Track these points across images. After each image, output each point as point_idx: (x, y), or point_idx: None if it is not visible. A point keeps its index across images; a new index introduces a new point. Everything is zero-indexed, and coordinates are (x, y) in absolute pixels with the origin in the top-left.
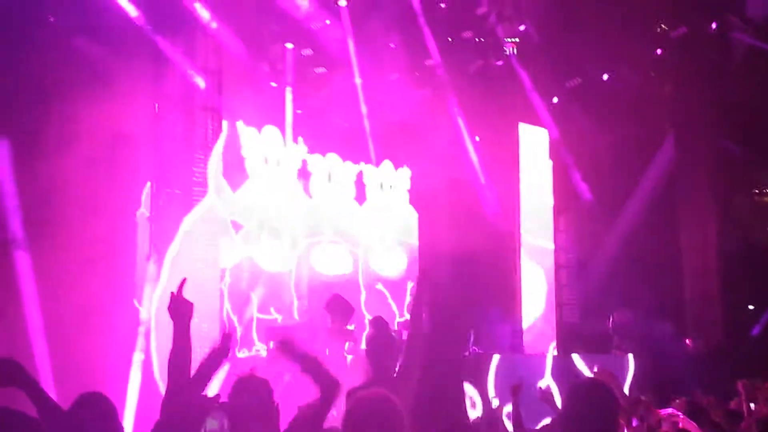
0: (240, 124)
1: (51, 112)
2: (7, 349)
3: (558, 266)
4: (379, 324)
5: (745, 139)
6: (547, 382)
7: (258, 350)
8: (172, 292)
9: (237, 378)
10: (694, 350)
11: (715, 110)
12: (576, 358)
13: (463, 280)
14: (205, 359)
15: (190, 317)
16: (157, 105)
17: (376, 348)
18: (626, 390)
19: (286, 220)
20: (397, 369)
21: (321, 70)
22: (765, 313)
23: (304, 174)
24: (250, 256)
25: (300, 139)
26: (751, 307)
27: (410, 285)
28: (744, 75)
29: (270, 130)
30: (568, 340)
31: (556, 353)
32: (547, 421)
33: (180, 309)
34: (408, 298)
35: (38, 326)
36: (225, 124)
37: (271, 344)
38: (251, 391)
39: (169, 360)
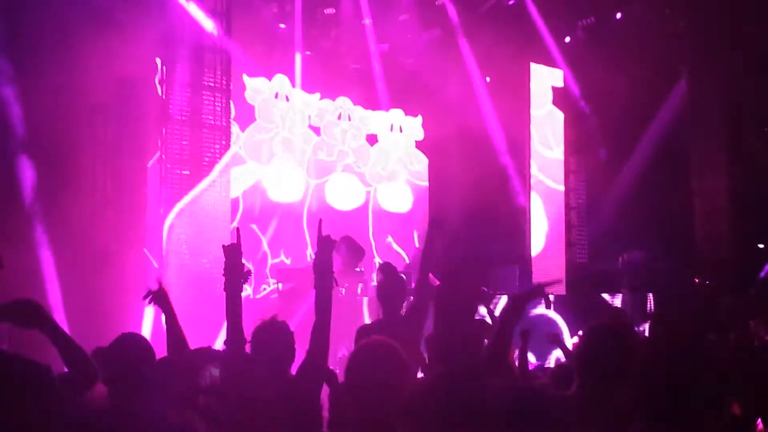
0: (245, 77)
1: (59, 57)
2: (20, 295)
3: (568, 207)
4: (388, 270)
5: (758, 80)
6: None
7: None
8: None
9: (260, 321)
10: (704, 289)
11: (729, 50)
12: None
13: (473, 222)
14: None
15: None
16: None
17: (385, 293)
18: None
19: (297, 153)
20: (404, 310)
21: (330, 10)
22: None
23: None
24: (262, 187)
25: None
26: (761, 245)
27: (416, 232)
28: (761, 15)
29: (280, 78)
30: (578, 279)
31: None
32: (558, 353)
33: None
34: (416, 242)
35: (51, 271)
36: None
37: (280, 285)
38: (273, 333)
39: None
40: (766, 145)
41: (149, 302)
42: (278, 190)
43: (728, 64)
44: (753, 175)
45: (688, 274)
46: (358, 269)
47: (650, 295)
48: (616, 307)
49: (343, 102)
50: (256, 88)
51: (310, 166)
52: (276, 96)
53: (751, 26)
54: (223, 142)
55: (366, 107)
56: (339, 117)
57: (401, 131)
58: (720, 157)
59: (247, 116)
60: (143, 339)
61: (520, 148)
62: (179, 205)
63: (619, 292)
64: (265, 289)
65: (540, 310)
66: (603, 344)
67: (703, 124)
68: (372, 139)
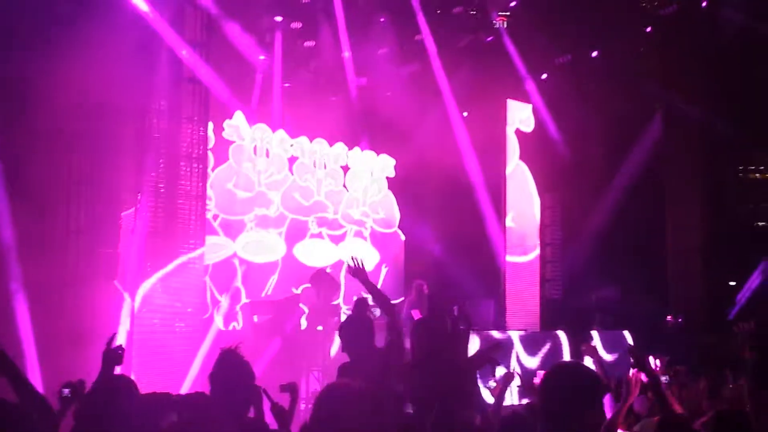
0: (227, 122)
1: (34, 81)
2: None
3: (543, 243)
4: (359, 306)
5: (732, 117)
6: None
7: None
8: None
9: (221, 351)
10: (675, 326)
11: (703, 89)
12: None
13: (448, 261)
14: None
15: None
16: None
17: (348, 329)
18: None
19: (272, 209)
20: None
21: (310, 43)
22: (742, 295)
23: (291, 161)
24: (234, 251)
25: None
26: (732, 283)
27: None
28: (733, 54)
29: (260, 126)
30: (551, 316)
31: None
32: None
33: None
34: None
35: (21, 301)
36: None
37: (255, 318)
38: (232, 365)
39: None
40: (739, 183)
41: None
42: (254, 257)
43: (702, 103)
44: (725, 213)
45: (660, 312)
46: (334, 303)
47: (625, 332)
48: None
49: (320, 146)
50: (235, 129)
51: (286, 222)
52: (255, 152)
53: (724, 65)
54: (200, 207)
55: (344, 141)
56: (314, 165)
57: (372, 175)
58: (693, 194)
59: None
60: (126, 383)
61: (497, 184)
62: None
63: (591, 329)
64: (234, 326)
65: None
66: (561, 386)
67: (677, 162)
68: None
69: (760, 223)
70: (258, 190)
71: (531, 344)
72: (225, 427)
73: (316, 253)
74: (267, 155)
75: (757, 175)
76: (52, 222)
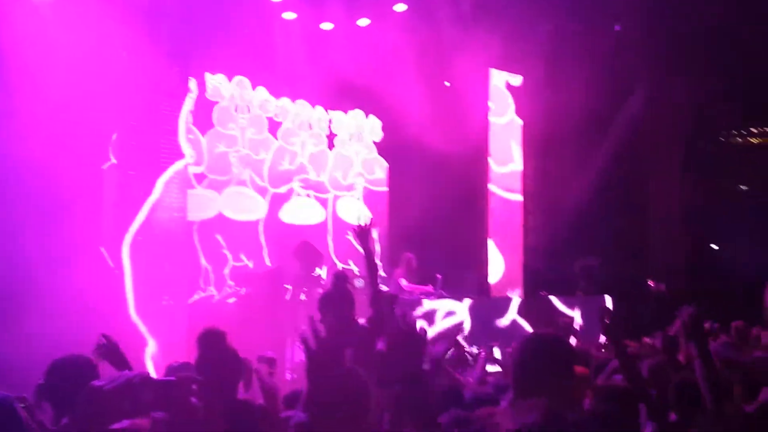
0: (208, 75)
1: (11, 57)
2: None
3: (526, 211)
4: (338, 278)
5: (711, 85)
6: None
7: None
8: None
9: (203, 332)
10: (657, 292)
11: (685, 59)
12: (551, 299)
13: (432, 227)
14: None
15: None
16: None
17: (327, 302)
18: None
19: (255, 168)
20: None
21: (290, 15)
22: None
23: (274, 122)
24: (219, 209)
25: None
26: (714, 246)
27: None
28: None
29: (240, 79)
30: (534, 284)
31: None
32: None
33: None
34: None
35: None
36: (193, 81)
37: (243, 290)
38: (216, 346)
39: None
40: (719, 152)
41: (100, 357)
42: (238, 215)
43: (685, 72)
44: (705, 181)
45: (642, 278)
46: (316, 273)
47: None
48: (565, 314)
49: (302, 107)
50: (216, 89)
51: (270, 176)
52: (236, 109)
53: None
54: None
55: (326, 107)
56: (299, 126)
57: (360, 138)
58: (674, 163)
59: (207, 116)
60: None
61: (480, 153)
62: (136, 223)
63: (574, 296)
64: (227, 290)
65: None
66: (534, 355)
67: (659, 131)
68: (331, 144)
69: (743, 187)
70: (244, 152)
71: (490, 311)
72: (211, 410)
73: (301, 214)
74: (248, 111)
75: (739, 140)
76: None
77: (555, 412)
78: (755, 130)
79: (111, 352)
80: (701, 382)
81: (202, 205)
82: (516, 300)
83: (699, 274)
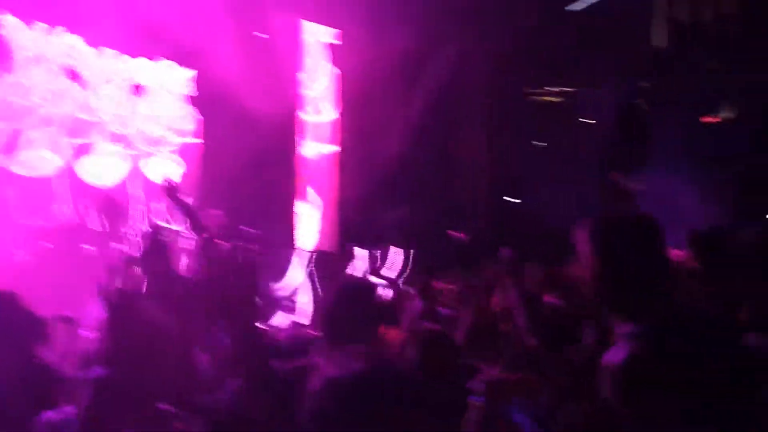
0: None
1: None
2: None
3: (341, 164)
4: (154, 231)
5: (516, 41)
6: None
7: None
8: None
9: None
10: (459, 240)
11: (493, 16)
12: (352, 250)
13: (244, 182)
14: None
15: None
16: None
17: (147, 256)
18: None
19: (50, 120)
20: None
21: None
22: None
23: (74, 71)
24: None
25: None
26: (508, 198)
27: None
28: None
29: (39, 25)
30: (346, 235)
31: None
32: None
33: None
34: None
35: None
36: None
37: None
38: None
39: None
40: (523, 100)
41: None
42: (25, 171)
43: (492, 26)
44: (509, 129)
45: (444, 227)
46: (119, 229)
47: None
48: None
49: (108, 55)
50: (13, 34)
51: (70, 129)
52: (30, 59)
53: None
54: None
55: (133, 56)
56: (104, 77)
57: (170, 89)
58: (480, 109)
59: None
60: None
61: (291, 105)
62: None
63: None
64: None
65: None
66: (349, 302)
67: (466, 81)
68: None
69: (541, 144)
70: (34, 103)
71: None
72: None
73: (103, 171)
74: (43, 61)
75: (543, 97)
76: None
77: (379, 359)
78: (554, 89)
79: None
80: (525, 328)
81: None
82: (320, 253)
83: (503, 222)
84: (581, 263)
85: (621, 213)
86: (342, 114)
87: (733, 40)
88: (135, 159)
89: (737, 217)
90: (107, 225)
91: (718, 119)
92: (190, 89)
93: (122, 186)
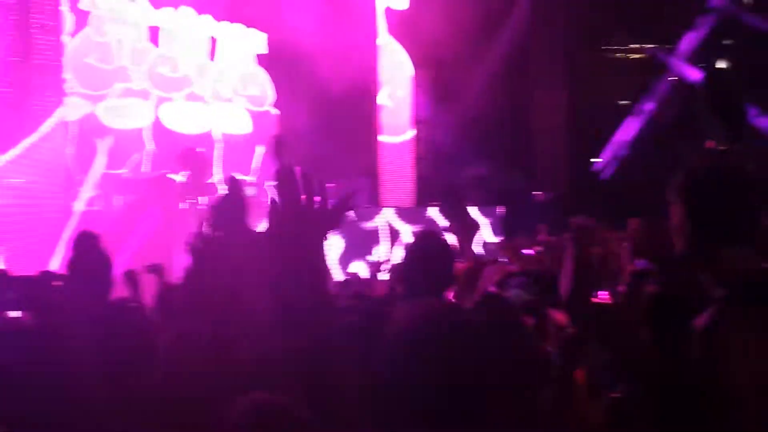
0: None
1: None
2: None
3: (417, 121)
4: (233, 185)
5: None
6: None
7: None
8: None
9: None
10: (543, 201)
11: None
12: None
13: (322, 139)
14: None
15: None
16: None
17: (222, 210)
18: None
19: (136, 74)
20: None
21: None
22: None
23: (155, 30)
24: (95, 113)
25: None
26: (596, 160)
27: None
28: None
29: None
30: (425, 193)
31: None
32: None
33: None
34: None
35: None
36: None
37: (124, 199)
38: (89, 249)
39: None
40: (602, 63)
41: None
42: (117, 120)
43: None
44: (589, 92)
45: (528, 188)
46: (204, 182)
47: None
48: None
49: (186, 17)
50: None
51: (154, 82)
52: (113, 21)
53: None
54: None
55: (212, 13)
56: (181, 35)
57: (243, 49)
58: (558, 74)
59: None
60: None
61: (370, 64)
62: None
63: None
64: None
65: None
66: (426, 249)
67: (543, 40)
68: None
69: (622, 102)
70: (119, 65)
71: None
72: (83, 311)
73: (186, 119)
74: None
75: (618, 55)
76: None
77: (456, 310)
78: (635, 46)
79: None
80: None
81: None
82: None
83: (582, 184)
84: (672, 220)
85: (712, 165)
86: (418, 75)
87: None
88: (216, 113)
89: None
90: (192, 177)
91: None
92: (264, 49)
93: (205, 138)
